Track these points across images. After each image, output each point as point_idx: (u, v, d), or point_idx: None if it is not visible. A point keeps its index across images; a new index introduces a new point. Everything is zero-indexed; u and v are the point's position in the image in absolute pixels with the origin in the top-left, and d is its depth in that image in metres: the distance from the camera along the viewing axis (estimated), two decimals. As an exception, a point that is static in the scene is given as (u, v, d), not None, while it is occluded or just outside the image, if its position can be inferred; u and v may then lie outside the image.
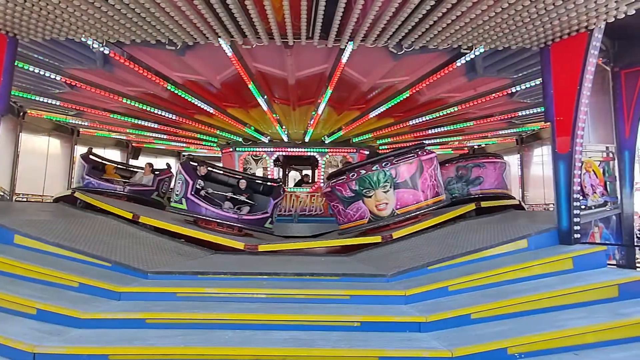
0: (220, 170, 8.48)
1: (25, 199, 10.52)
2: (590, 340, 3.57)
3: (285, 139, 10.99)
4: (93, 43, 6.13)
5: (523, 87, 7.53)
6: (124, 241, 5.87)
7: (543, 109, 5.85)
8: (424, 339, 3.58)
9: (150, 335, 3.54)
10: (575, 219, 5.31)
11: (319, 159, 11.22)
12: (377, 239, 6.38)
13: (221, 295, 4.35)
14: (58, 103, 9.12)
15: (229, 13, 5.25)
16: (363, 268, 5.38)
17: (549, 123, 5.63)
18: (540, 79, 5.90)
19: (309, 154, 11.33)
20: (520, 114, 9.25)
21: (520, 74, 7.28)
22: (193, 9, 5.17)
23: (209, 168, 8.03)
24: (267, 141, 11.02)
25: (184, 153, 16.33)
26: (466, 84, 7.74)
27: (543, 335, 3.51)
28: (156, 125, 10.71)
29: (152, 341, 3.42)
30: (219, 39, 5.92)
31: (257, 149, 11.21)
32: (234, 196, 7.84)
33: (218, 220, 7.33)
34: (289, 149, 11.26)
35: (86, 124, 11.51)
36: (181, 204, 7.38)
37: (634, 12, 4.84)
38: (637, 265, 6.87)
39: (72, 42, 6.12)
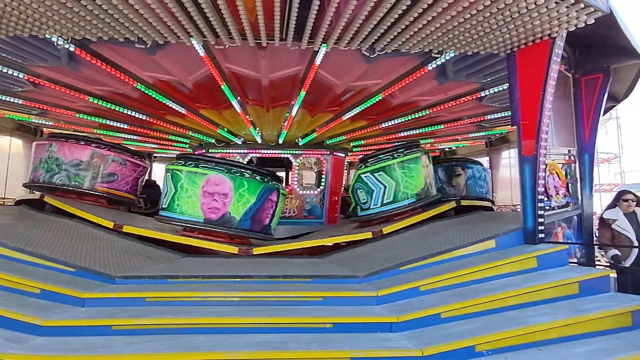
0: None
1: (-16, 202, 10.04)
2: (554, 335, 3.70)
3: (259, 141, 10.89)
4: (57, 40, 5.92)
5: (491, 91, 7.72)
6: (90, 245, 5.67)
7: (510, 113, 6.04)
8: (396, 339, 3.62)
9: (117, 342, 3.43)
10: (540, 220, 5.49)
11: (292, 160, 11.19)
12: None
13: (192, 299, 4.27)
14: (21, 102, 8.71)
15: (201, 12, 5.17)
16: (336, 270, 5.40)
17: (515, 126, 5.81)
18: (507, 84, 6.09)
19: (282, 155, 11.28)
20: (488, 117, 9.51)
21: (488, 79, 7.47)
22: (163, 7, 5.05)
23: None
24: (240, 142, 10.90)
25: (155, 154, 15.98)
26: (437, 88, 7.89)
27: (509, 332, 3.62)
28: (125, 126, 10.39)
29: (118, 348, 3.32)
30: (190, 38, 5.83)
31: (230, 151, 11.05)
32: None
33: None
34: (262, 151, 11.17)
35: (51, 123, 11.05)
36: None
37: (593, 21, 5.07)
38: (596, 263, 7.19)
39: (36, 38, 5.87)
